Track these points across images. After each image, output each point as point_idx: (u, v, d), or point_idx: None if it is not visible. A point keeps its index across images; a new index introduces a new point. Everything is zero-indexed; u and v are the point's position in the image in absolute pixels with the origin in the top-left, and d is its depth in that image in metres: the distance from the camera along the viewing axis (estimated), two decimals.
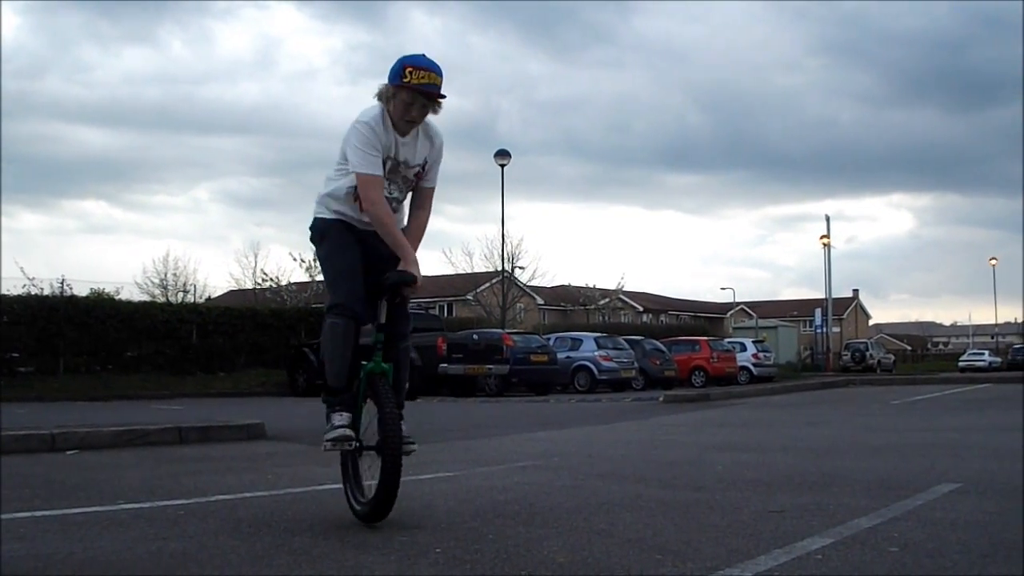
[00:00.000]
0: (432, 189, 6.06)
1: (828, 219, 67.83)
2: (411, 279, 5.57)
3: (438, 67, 5.67)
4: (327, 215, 5.95)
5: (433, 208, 6.14)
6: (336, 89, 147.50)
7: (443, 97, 5.69)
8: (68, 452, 9.96)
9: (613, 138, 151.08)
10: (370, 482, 5.67)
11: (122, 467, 8.74)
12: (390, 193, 5.82)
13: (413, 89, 5.56)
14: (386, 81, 5.70)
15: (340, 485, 7.42)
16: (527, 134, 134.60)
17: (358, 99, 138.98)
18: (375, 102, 5.77)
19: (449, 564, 4.55)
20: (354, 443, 5.71)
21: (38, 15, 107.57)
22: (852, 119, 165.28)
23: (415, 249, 5.82)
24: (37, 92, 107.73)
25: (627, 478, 7.91)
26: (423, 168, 5.92)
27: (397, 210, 5.94)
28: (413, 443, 5.71)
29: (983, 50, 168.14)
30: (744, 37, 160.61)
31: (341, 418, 5.76)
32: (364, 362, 5.73)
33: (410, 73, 5.56)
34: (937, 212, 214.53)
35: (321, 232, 5.97)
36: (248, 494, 7.01)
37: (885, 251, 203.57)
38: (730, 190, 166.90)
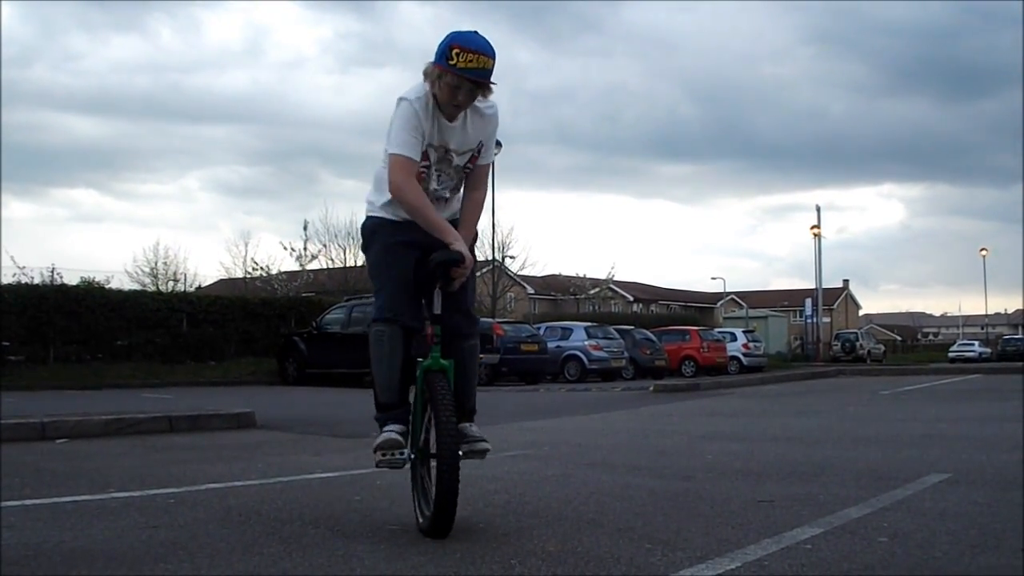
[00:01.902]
0: (487, 166, 5.53)
1: (819, 209, 68.15)
2: (457, 257, 5.07)
3: (490, 48, 5.08)
4: (376, 213, 5.43)
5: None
6: (326, 78, 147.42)
7: (494, 84, 5.14)
8: (58, 441, 9.95)
9: (603, 127, 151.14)
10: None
11: (112, 456, 8.74)
12: (438, 186, 5.35)
13: (458, 74, 5.00)
14: (431, 60, 5.11)
15: (332, 474, 7.46)
16: (517, 123, 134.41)
17: (348, 88, 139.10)
18: (420, 79, 5.19)
19: (438, 553, 4.55)
20: (405, 451, 5.14)
21: (26, 3, 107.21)
22: (843, 109, 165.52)
23: (472, 232, 5.44)
24: (25, 80, 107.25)
25: (617, 468, 7.92)
26: (477, 152, 5.38)
27: (443, 208, 5.40)
28: (485, 442, 5.31)
29: (975, 40, 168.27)
30: (734, 27, 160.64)
31: (391, 426, 5.19)
32: (420, 359, 5.23)
33: (457, 55, 4.97)
34: (928, 202, 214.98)
35: (369, 233, 5.47)
36: (238, 483, 7.01)
37: (876, 241, 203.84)
38: (721, 180, 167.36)
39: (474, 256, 5.40)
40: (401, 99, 5.15)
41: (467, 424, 5.32)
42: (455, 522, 4.91)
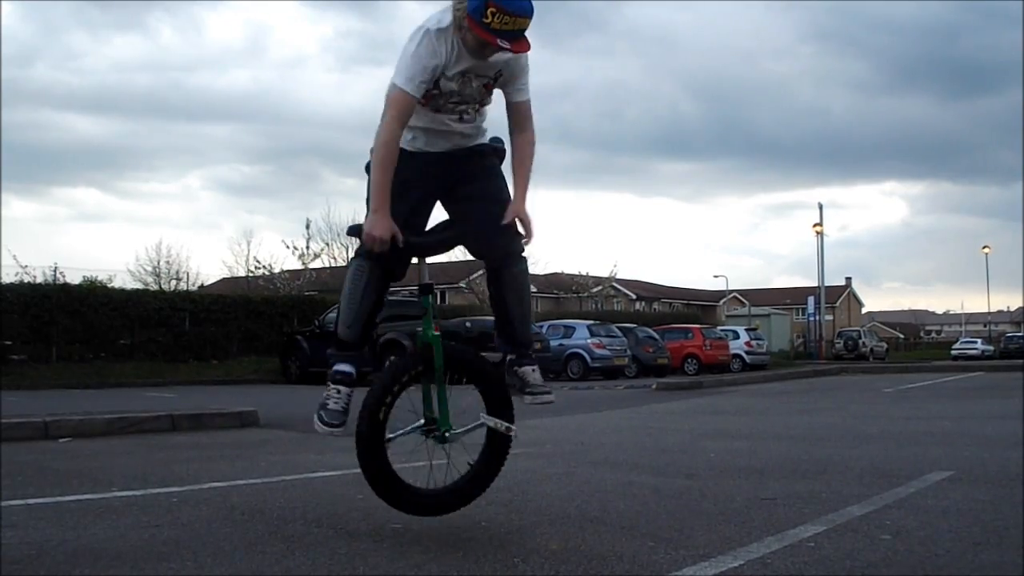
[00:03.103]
0: (525, 103, 5.03)
1: (821, 207, 68.10)
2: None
3: (530, 7, 4.59)
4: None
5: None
6: (327, 76, 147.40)
7: (528, 47, 4.69)
8: (61, 440, 9.96)
9: (605, 125, 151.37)
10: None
11: (115, 455, 8.74)
12: (459, 120, 4.95)
13: (488, 36, 4.55)
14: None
15: (335, 472, 7.45)
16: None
17: (349, 86, 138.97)
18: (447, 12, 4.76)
19: (441, 551, 4.56)
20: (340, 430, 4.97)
21: (27, 2, 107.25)
22: (844, 107, 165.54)
23: (527, 181, 5.03)
24: (27, 79, 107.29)
25: (620, 465, 7.92)
26: (496, 78, 4.92)
27: (469, 138, 5.03)
28: (547, 392, 5.09)
29: (976, 38, 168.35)
30: (735, 24, 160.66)
31: (336, 399, 5.02)
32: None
33: (493, 15, 4.48)
34: (930, 200, 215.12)
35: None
36: (241, 481, 7.02)
37: (878, 239, 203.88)
38: (722, 178, 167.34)
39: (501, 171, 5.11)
40: (421, 30, 4.76)
41: (528, 368, 5.11)
42: (456, 519, 4.92)
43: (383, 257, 4.81)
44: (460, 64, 4.77)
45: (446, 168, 5.00)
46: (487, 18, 4.49)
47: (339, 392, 5.01)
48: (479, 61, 4.76)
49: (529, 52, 4.76)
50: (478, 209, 5.00)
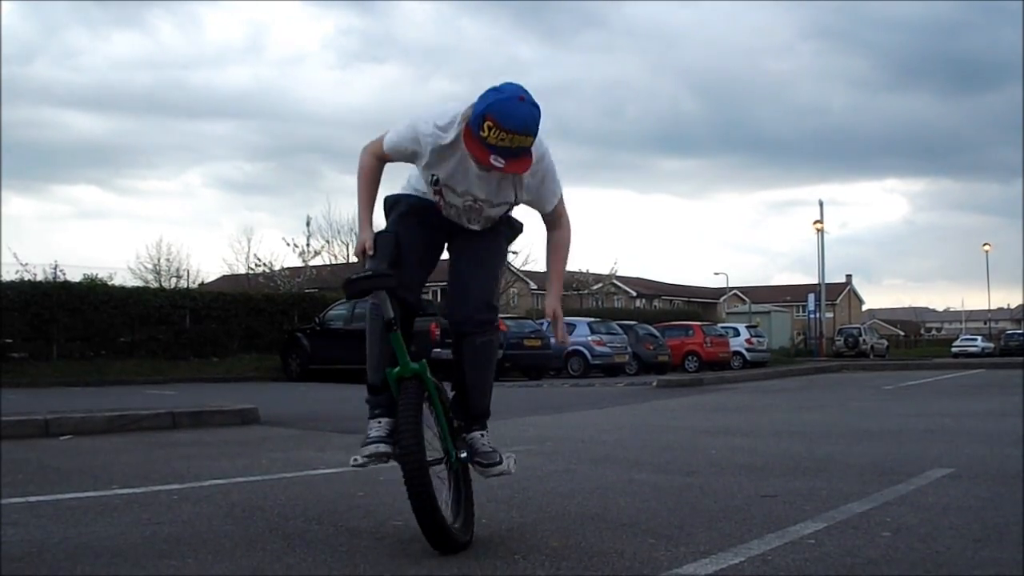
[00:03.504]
0: (558, 204, 4.87)
1: (821, 204, 68.22)
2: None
3: (533, 123, 4.30)
4: (403, 189, 5.00)
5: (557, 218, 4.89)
6: (327, 73, 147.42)
7: (527, 168, 4.44)
8: (62, 437, 9.96)
9: (605, 123, 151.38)
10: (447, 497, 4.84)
11: (116, 452, 8.74)
12: (467, 220, 4.83)
13: (480, 152, 4.29)
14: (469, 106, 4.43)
15: (335, 470, 7.46)
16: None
17: (349, 84, 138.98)
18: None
19: None
20: (389, 460, 4.64)
21: (27, 0, 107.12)
22: (845, 104, 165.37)
23: (562, 279, 4.99)
24: (26, 77, 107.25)
25: (620, 463, 7.92)
26: (512, 204, 4.82)
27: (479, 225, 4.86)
28: (497, 463, 4.75)
29: (977, 35, 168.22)
30: (736, 21, 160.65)
31: (377, 427, 4.75)
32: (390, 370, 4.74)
33: (489, 129, 4.20)
34: (931, 197, 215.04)
35: (389, 205, 4.98)
36: (242, 479, 7.02)
37: (879, 236, 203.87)
38: (723, 175, 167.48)
39: (502, 238, 5.00)
40: (423, 119, 4.59)
41: (476, 434, 4.84)
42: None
43: (397, 292, 4.65)
44: (466, 176, 4.62)
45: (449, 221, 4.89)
46: (484, 132, 4.23)
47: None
48: (481, 172, 4.54)
49: (527, 172, 4.52)
50: (457, 269, 4.93)
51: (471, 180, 4.62)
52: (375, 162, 4.83)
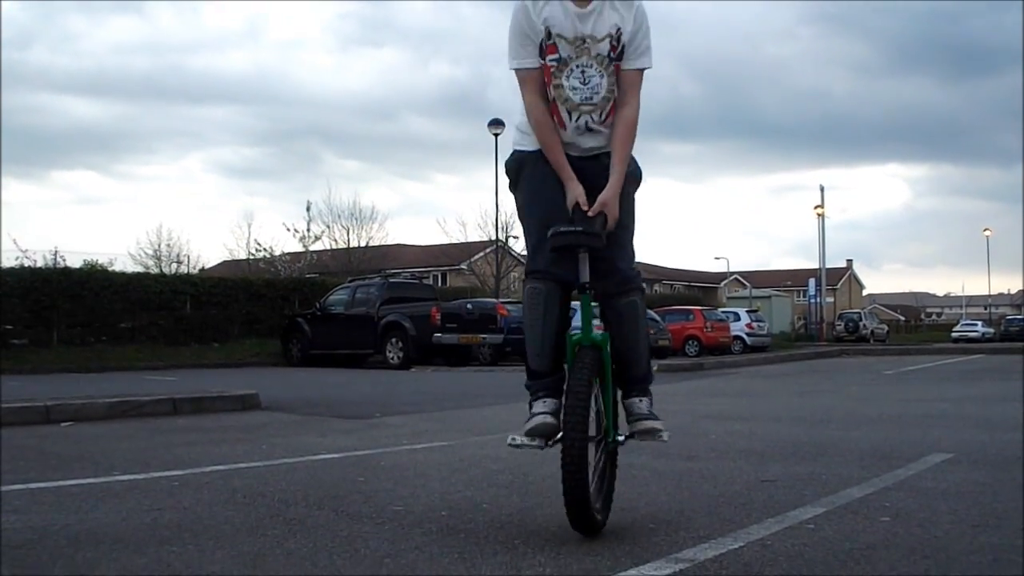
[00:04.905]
0: (638, 72, 4.66)
1: (822, 189, 68.09)
2: (582, 239, 4.42)
3: None
4: (521, 146, 4.77)
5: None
6: (326, 57, 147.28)
7: None
8: (63, 424, 9.97)
9: None
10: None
11: (116, 438, 8.76)
12: (582, 84, 4.59)
13: None
14: None
15: (336, 455, 7.47)
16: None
17: (348, 68, 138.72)
18: None
19: (443, 534, 4.57)
20: (551, 440, 4.46)
21: None
22: (846, 89, 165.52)
23: (625, 164, 4.62)
24: (24, 62, 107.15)
25: (620, 447, 7.92)
26: (616, 40, 4.56)
27: (592, 139, 4.69)
28: (652, 420, 4.73)
29: (978, 20, 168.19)
30: (736, 6, 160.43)
31: (542, 405, 4.55)
32: (571, 333, 4.60)
33: None
34: (932, 183, 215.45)
35: (515, 169, 4.80)
36: (242, 464, 7.03)
37: (879, 221, 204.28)
38: (724, 159, 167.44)
39: (628, 193, 4.71)
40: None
41: (635, 399, 4.80)
42: (458, 500, 4.91)
43: (555, 273, 4.53)
44: (567, 22, 4.51)
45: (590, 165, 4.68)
46: None
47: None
48: (582, 9, 4.49)
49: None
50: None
51: (573, 17, 4.51)
52: (542, 102, 4.59)
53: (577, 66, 4.56)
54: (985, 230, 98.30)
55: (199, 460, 7.22)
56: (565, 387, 4.44)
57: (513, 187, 4.81)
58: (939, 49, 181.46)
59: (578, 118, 4.65)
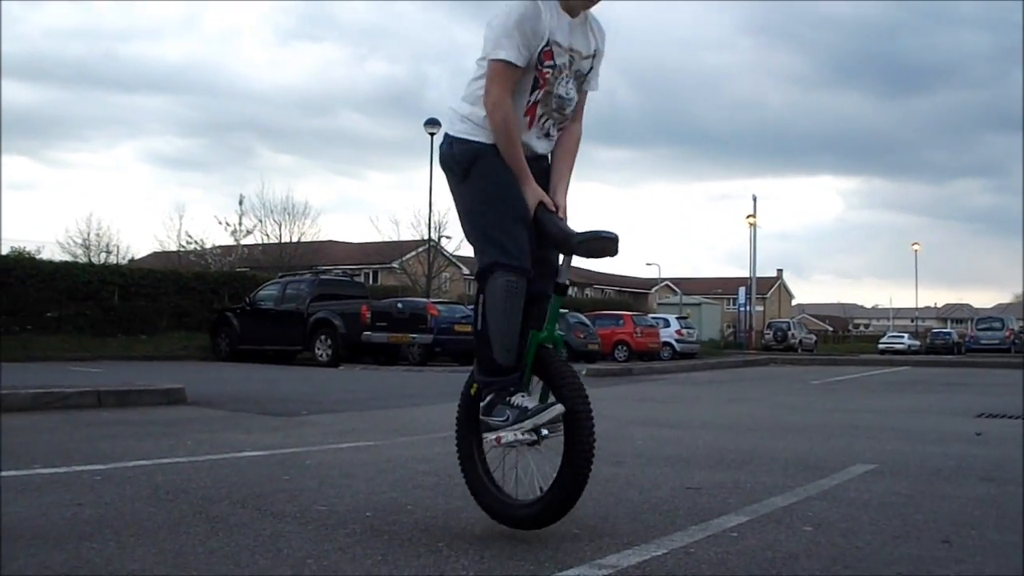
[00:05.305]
0: (585, 95, 4.79)
1: (755, 198, 68.58)
2: (595, 246, 4.49)
3: None
4: (478, 137, 4.58)
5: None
6: (263, 50, 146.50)
7: None
8: None
9: None
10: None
11: (39, 431, 8.65)
12: (564, 94, 4.62)
13: None
14: None
15: (261, 452, 7.41)
16: (464, 90, 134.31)
17: (286, 62, 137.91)
18: None
19: (367, 534, 4.55)
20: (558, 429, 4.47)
21: None
22: (781, 100, 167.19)
23: (569, 171, 4.75)
24: None
25: (546, 451, 7.92)
26: (592, 62, 4.70)
27: (548, 145, 4.74)
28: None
29: (913, 38, 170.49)
30: (675, 15, 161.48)
31: (529, 400, 4.52)
32: (535, 330, 4.57)
33: None
34: (863, 196, 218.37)
35: (468, 162, 4.59)
36: (166, 460, 6.97)
37: (810, 232, 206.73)
38: (658, 166, 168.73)
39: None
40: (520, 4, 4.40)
41: None
42: (383, 502, 4.90)
43: (527, 267, 4.44)
44: (562, 31, 4.52)
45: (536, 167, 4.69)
46: None
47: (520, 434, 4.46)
48: (574, 19, 4.58)
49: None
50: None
51: (567, 27, 4.55)
52: (511, 99, 4.48)
53: (567, 75, 4.59)
54: (914, 244, 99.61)
55: (122, 455, 7.15)
56: (553, 373, 4.50)
57: (462, 179, 4.63)
58: (874, 65, 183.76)
59: (545, 122, 4.66)
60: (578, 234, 4.49)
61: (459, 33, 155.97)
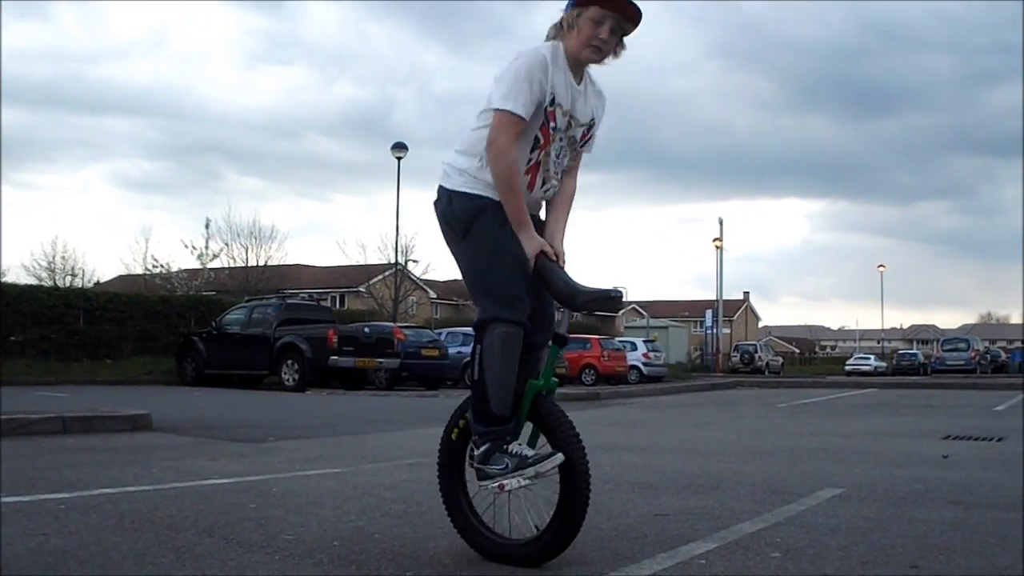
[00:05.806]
0: (581, 154, 4.90)
1: (721, 222, 68.66)
2: (612, 298, 4.58)
3: None
4: (477, 190, 4.58)
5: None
6: (231, 73, 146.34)
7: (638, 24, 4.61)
8: None
9: None
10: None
11: (2, 458, 8.57)
12: (557, 158, 4.69)
13: (609, 6, 4.44)
14: (562, 9, 4.57)
15: (227, 480, 7.36)
16: (423, 126, 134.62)
17: (253, 85, 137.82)
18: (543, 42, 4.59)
19: (334, 564, 4.53)
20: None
21: None
22: (747, 124, 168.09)
23: (566, 219, 4.83)
24: None
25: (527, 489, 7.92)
26: (589, 130, 4.77)
27: (552, 188, 4.78)
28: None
29: (876, 61, 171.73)
30: (641, 37, 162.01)
31: (526, 448, 4.52)
32: (532, 379, 4.62)
33: None
34: (829, 218, 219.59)
35: (470, 218, 4.56)
36: (132, 488, 6.92)
37: (777, 254, 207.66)
38: (625, 189, 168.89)
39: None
40: (524, 52, 4.48)
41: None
42: (350, 530, 4.87)
43: (527, 321, 4.51)
44: (566, 94, 4.57)
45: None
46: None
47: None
48: (577, 86, 4.63)
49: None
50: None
51: (571, 92, 4.60)
52: (517, 151, 4.52)
53: (562, 138, 4.66)
54: (880, 266, 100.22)
55: (87, 482, 7.09)
56: (551, 421, 4.49)
57: (462, 235, 4.60)
58: (839, 88, 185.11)
59: (545, 183, 4.71)
60: (583, 292, 4.49)
61: (425, 56, 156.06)
